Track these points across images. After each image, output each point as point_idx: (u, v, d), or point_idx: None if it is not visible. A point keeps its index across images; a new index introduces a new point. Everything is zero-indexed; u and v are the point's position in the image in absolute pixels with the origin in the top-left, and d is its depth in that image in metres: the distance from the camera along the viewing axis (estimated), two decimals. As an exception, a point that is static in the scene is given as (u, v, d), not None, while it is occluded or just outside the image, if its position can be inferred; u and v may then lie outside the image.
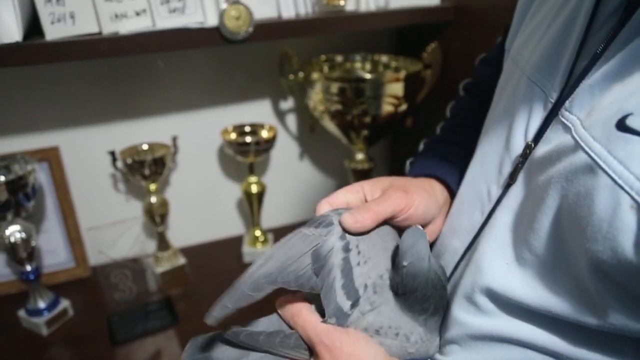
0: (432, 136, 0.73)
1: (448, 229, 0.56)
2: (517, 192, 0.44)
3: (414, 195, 0.52)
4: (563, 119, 0.39)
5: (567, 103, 0.39)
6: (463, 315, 0.47)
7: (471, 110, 0.72)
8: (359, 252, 0.46)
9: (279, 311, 0.50)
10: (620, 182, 0.31)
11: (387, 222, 0.50)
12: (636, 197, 0.30)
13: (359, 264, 0.46)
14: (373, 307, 0.45)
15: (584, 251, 0.34)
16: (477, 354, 0.46)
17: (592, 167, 0.33)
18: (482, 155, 0.53)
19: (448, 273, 0.52)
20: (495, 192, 0.48)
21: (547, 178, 0.39)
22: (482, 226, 0.48)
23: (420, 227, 0.45)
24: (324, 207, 0.50)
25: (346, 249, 0.46)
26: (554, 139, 0.40)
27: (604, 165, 0.33)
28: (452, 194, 0.59)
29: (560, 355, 0.40)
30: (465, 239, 0.51)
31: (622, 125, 0.32)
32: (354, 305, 0.45)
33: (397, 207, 0.49)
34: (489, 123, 0.55)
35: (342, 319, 0.45)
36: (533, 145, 0.43)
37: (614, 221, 0.31)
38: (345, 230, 0.47)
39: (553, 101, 0.42)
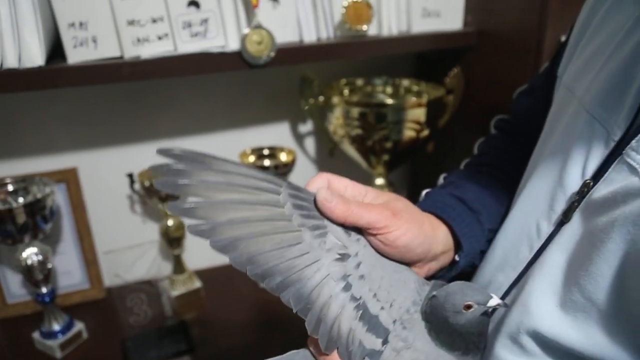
0: (454, 171, 0.68)
1: (491, 262, 0.54)
2: (571, 231, 0.42)
3: (402, 222, 0.45)
4: (629, 160, 0.37)
5: (633, 143, 0.37)
6: (507, 356, 0.45)
7: (501, 150, 0.69)
8: (362, 277, 0.42)
9: (311, 349, 0.44)
10: None
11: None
12: None
13: (374, 295, 0.42)
14: (407, 344, 0.42)
15: None
16: None
17: None
18: (531, 188, 0.50)
19: None
20: (546, 229, 0.45)
21: (610, 220, 0.37)
22: (530, 263, 0.46)
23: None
24: (320, 180, 0.46)
25: (345, 278, 0.42)
26: (618, 180, 0.38)
27: None
28: (457, 240, 0.54)
29: None
30: (511, 274, 0.49)
31: None
32: (385, 342, 0.42)
33: (375, 222, 0.43)
34: (540, 154, 0.52)
35: (375, 358, 0.42)
36: (592, 184, 0.41)
37: None
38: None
39: (616, 139, 0.40)
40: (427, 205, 0.56)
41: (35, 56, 0.76)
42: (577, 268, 0.40)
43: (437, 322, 0.42)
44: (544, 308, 0.42)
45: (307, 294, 0.41)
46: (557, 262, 0.42)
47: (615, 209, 0.37)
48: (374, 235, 0.44)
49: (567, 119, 0.47)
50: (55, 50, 0.82)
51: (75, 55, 0.80)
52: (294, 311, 0.41)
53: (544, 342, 0.42)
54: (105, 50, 0.82)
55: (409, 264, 0.48)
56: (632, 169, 0.36)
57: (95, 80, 0.82)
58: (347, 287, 0.42)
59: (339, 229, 0.43)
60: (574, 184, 0.43)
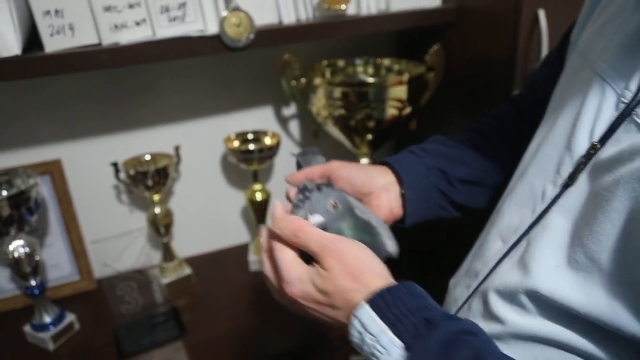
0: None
1: (494, 223, 0.55)
2: (576, 193, 0.43)
3: (336, 164, 0.65)
4: (638, 119, 0.38)
5: None
6: (505, 313, 0.47)
7: (498, 120, 0.71)
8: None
9: (277, 231, 0.50)
10: None
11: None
12: None
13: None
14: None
15: None
16: (516, 351, 0.45)
17: None
18: (538, 153, 0.51)
19: (488, 268, 0.52)
20: (551, 192, 0.46)
21: (615, 179, 0.37)
22: (532, 225, 0.47)
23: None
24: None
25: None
26: (626, 139, 0.39)
27: None
28: (400, 178, 0.64)
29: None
30: (511, 236, 0.50)
31: None
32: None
33: (311, 173, 0.64)
34: (549, 119, 0.53)
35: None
36: (599, 146, 0.41)
37: None
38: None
39: (627, 101, 0.40)
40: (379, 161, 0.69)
41: (11, 45, 0.75)
42: (581, 228, 0.40)
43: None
44: (544, 268, 0.43)
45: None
46: (559, 224, 0.43)
47: (621, 167, 0.37)
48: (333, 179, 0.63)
49: (579, 84, 0.48)
50: (32, 39, 0.81)
51: (52, 44, 0.79)
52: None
53: (542, 301, 0.43)
54: (83, 37, 0.82)
55: (367, 196, 0.63)
56: None
57: (73, 68, 0.81)
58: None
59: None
60: (581, 147, 0.44)
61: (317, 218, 0.53)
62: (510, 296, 0.46)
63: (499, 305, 0.47)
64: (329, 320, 0.49)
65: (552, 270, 0.42)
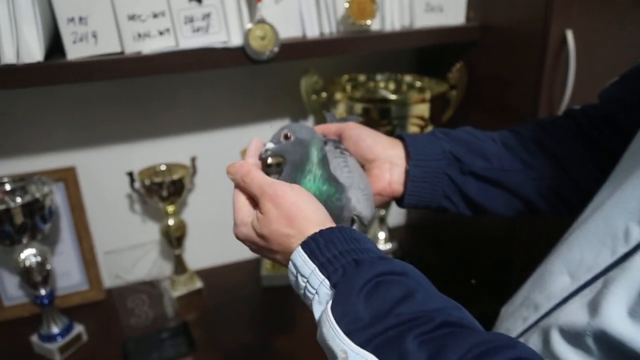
0: None
1: (559, 255, 0.52)
2: None
3: (351, 124, 0.65)
4: None
5: None
6: (567, 354, 0.45)
7: (543, 127, 0.67)
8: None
9: (229, 176, 0.54)
10: None
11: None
12: None
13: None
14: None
15: None
16: None
17: None
18: (621, 187, 0.48)
19: (552, 303, 0.49)
20: (637, 234, 0.43)
21: None
22: (610, 267, 0.45)
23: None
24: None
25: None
26: None
27: None
28: (409, 154, 0.63)
29: None
30: (583, 274, 0.47)
31: None
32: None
33: (327, 129, 0.66)
34: (636, 150, 0.51)
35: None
36: None
37: None
38: None
39: None
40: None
41: (34, 51, 0.74)
42: None
43: None
44: (618, 313, 0.40)
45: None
46: None
47: None
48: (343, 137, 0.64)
49: None
50: (55, 46, 0.80)
51: (74, 51, 0.78)
52: None
53: (612, 347, 0.40)
54: (106, 45, 0.81)
55: (370, 162, 0.63)
56: None
57: (95, 77, 0.79)
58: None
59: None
60: None
61: (269, 145, 0.55)
62: (575, 337, 0.44)
63: (561, 346, 0.45)
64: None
65: (627, 315, 0.39)
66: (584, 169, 0.63)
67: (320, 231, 0.45)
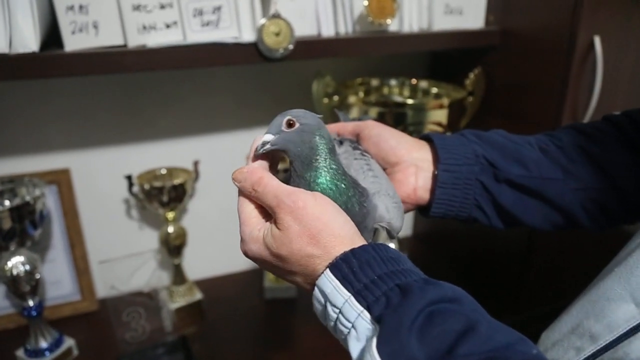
0: None
1: (620, 278, 0.46)
2: None
3: (370, 122, 0.59)
4: None
5: None
6: None
7: (583, 133, 0.60)
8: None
9: (237, 184, 0.45)
10: None
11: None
12: None
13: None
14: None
15: None
16: None
17: None
18: None
19: (614, 334, 0.44)
20: None
21: None
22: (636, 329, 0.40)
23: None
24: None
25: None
26: None
27: None
28: (438, 157, 0.57)
29: None
30: (608, 336, 0.43)
31: None
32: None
33: (343, 128, 0.60)
34: None
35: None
36: None
37: None
38: None
39: None
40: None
41: (28, 41, 0.68)
42: None
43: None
44: None
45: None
46: None
47: None
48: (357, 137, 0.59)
49: None
50: (52, 36, 0.74)
51: (73, 42, 0.73)
52: None
53: None
54: (107, 37, 0.75)
55: (392, 166, 0.57)
56: None
57: (94, 71, 0.74)
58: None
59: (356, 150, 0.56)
60: None
61: (267, 136, 0.45)
62: None
63: None
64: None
65: None
66: (631, 178, 0.57)
67: (352, 250, 0.38)
